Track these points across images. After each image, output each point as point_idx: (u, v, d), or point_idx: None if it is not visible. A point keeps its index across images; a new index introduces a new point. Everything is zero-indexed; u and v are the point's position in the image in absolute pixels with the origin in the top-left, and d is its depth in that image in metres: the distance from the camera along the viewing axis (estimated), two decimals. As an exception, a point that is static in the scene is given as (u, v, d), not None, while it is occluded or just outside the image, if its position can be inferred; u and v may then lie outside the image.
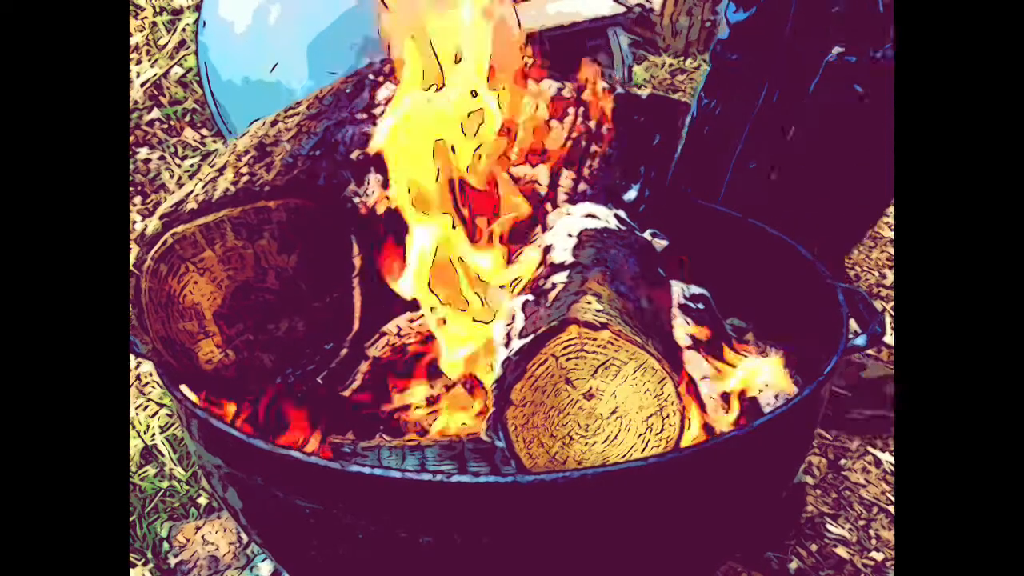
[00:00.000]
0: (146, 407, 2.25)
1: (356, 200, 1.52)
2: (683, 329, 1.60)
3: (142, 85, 3.17)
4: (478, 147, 1.57)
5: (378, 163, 1.54)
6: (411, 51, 1.56)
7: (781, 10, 2.04)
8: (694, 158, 2.21)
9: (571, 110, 1.67)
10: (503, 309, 1.46)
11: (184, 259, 1.43)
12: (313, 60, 2.68)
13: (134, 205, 2.90)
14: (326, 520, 1.33)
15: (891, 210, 2.72)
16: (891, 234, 2.84)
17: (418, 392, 1.59)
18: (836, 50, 1.96)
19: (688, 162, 2.22)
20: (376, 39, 1.63)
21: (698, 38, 3.89)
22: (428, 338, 1.61)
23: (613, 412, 1.29)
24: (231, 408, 1.55)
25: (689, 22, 3.87)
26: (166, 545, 1.92)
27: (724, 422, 1.48)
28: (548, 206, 1.66)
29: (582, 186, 1.67)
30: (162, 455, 2.13)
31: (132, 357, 1.53)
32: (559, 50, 2.19)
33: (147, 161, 3.03)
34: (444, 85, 1.58)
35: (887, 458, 2.16)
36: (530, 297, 1.42)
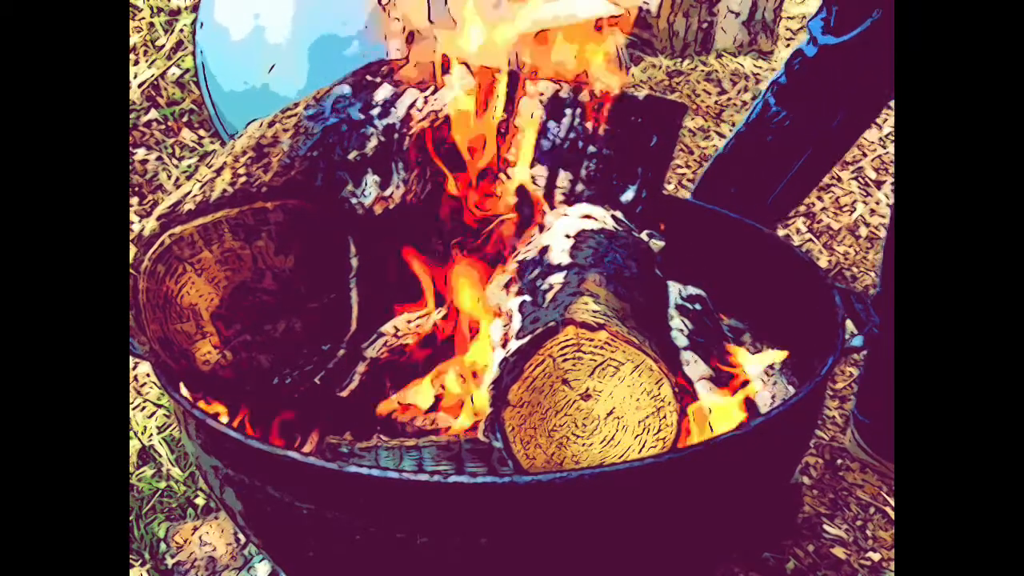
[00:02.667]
0: (143, 408, 2.25)
1: (354, 201, 1.52)
2: (680, 330, 1.60)
3: (139, 86, 3.17)
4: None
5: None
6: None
7: (875, 47, 2.03)
8: (749, 162, 2.21)
9: (568, 111, 1.67)
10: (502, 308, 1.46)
11: (182, 260, 1.43)
12: (311, 61, 2.67)
13: (131, 206, 2.89)
14: (323, 521, 1.33)
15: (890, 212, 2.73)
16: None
17: (415, 392, 1.59)
18: None
19: (740, 164, 2.22)
20: (374, 41, 1.64)
21: (695, 39, 3.89)
22: (426, 339, 1.61)
23: (610, 413, 1.29)
24: (228, 409, 1.55)
25: (686, 24, 3.87)
26: (163, 546, 1.92)
27: (721, 423, 1.48)
28: (545, 207, 1.66)
29: (579, 187, 1.67)
30: (159, 456, 2.12)
31: (130, 358, 1.53)
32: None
33: (144, 162, 3.02)
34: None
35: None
36: (527, 298, 1.42)
